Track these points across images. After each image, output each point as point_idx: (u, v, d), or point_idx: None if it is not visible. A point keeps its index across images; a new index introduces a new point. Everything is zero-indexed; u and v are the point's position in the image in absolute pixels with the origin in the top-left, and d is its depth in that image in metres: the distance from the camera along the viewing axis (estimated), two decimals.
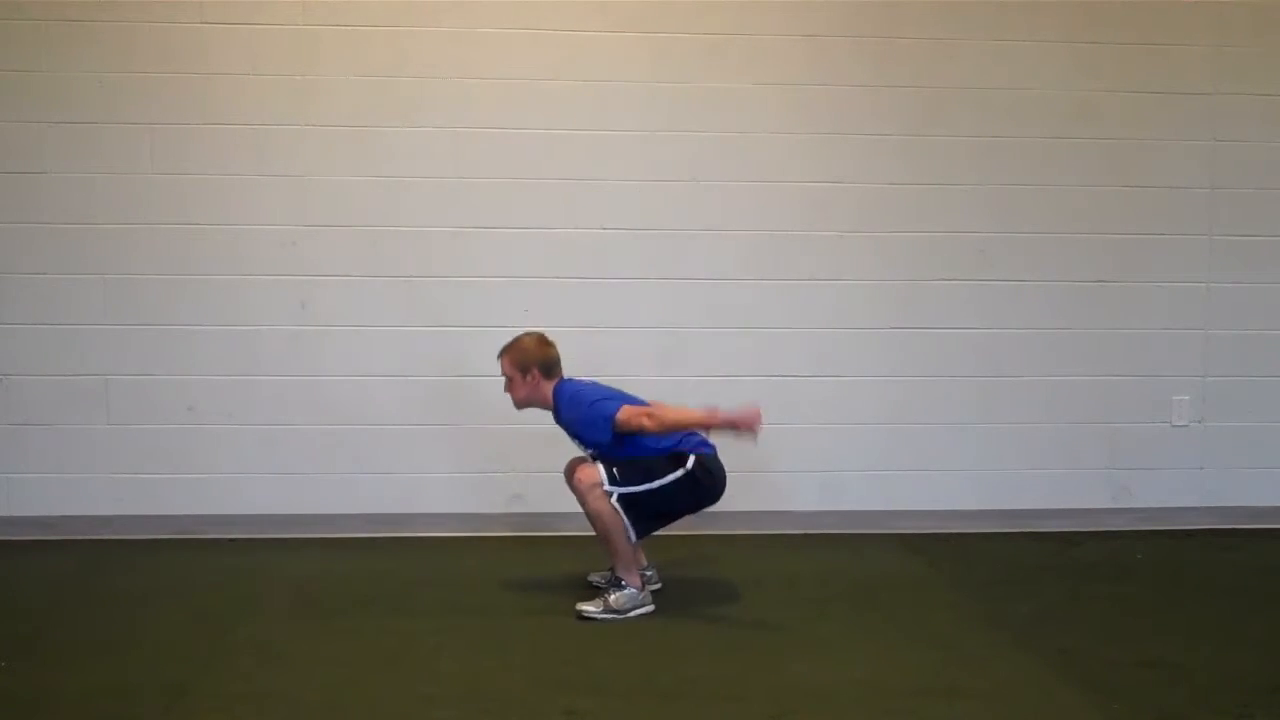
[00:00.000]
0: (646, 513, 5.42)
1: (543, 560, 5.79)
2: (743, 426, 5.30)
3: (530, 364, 5.54)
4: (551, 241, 6.59)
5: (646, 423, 5.36)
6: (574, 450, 5.62)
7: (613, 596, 5.38)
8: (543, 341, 5.61)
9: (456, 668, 4.74)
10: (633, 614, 5.36)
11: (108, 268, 6.49)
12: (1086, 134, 6.80)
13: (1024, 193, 6.81)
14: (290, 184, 6.53)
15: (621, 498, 5.33)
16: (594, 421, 5.42)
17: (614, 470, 5.37)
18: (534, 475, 6.52)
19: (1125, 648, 5.02)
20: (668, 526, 5.59)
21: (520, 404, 5.61)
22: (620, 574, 5.45)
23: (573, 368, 6.59)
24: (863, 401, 6.84)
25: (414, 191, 6.52)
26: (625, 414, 5.39)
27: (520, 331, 5.63)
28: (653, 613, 5.42)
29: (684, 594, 5.74)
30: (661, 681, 4.61)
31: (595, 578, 5.71)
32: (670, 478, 5.41)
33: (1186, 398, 6.97)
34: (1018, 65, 6.75)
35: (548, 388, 5.56)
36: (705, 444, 5.55)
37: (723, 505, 6.65)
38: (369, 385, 6.63)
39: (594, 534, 5.50)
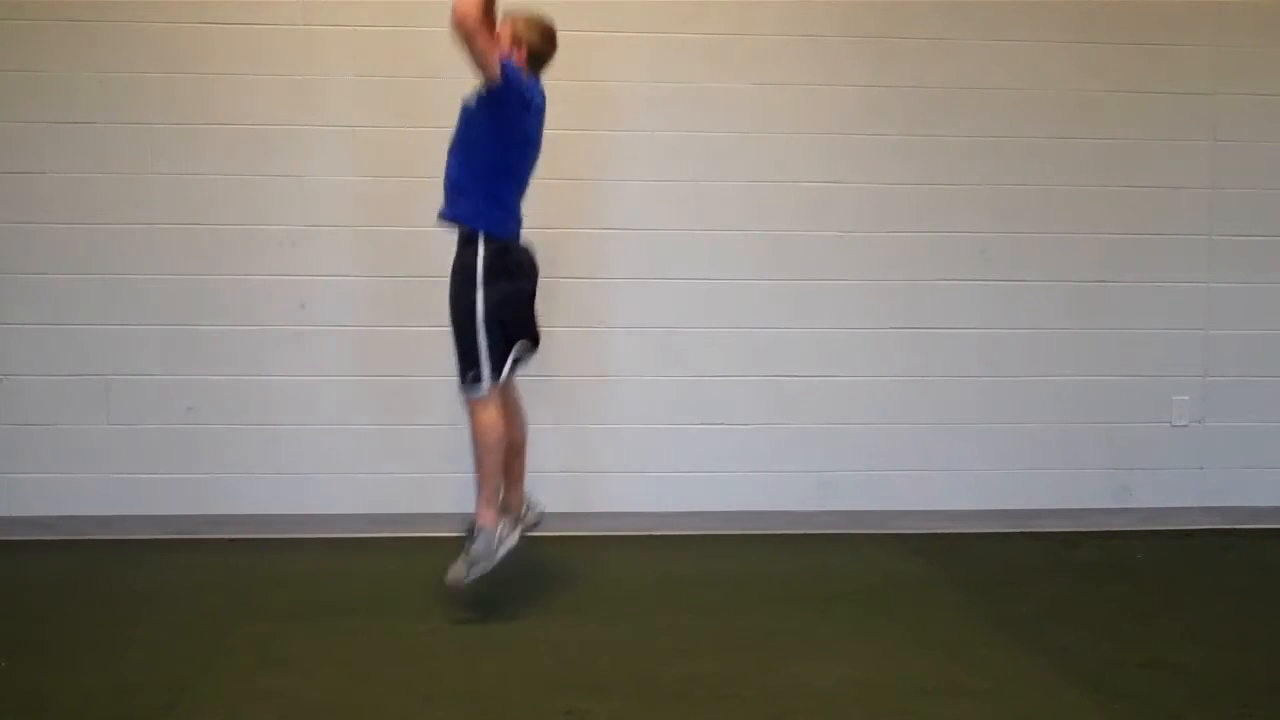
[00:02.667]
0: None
1: (542, 559, 5.78)
2: None
3: (523, 43, 5.37)
4: (550, 241, 6.57)
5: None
6: None
7: (471, 550, 5.26)
8: (547, 36, 5.45)
9: (456, 668, 4.75)
10: (500, 554, 5.28)
11: (108, 268, 6.50)
12: (1087, 134, 6.80)
13: (1024, 193, 6.81)
14: (291, 184, 6.53)
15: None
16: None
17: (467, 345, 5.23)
18: (534, 475, 6.50)
19: (1126, 648, 5.02)
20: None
21: (480, 53, 5.07)
22: (477, 509, 5.31)
23: (573, 367, 6.66)
24: (862, 401, 6.84)
25: (414, 191, 6.50)
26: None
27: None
28: (652, 612, 5.43)
29: (683, 593, 5.74)
30: (661, 681, 4.61)
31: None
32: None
33: (1187, 398, 6.97)
34: (1018, 65, 6.75)
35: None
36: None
37: (722, 504, 6.69)
38: (369, 385, 6.63)
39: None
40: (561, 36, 6.45)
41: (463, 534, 5.37)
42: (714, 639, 5.10)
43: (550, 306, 6.51)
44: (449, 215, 5.35)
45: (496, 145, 5.29)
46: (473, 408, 5.26)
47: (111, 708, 4.34)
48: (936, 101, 6.74)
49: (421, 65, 6.50)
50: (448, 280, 5.33)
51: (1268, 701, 4.46)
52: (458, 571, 5.23)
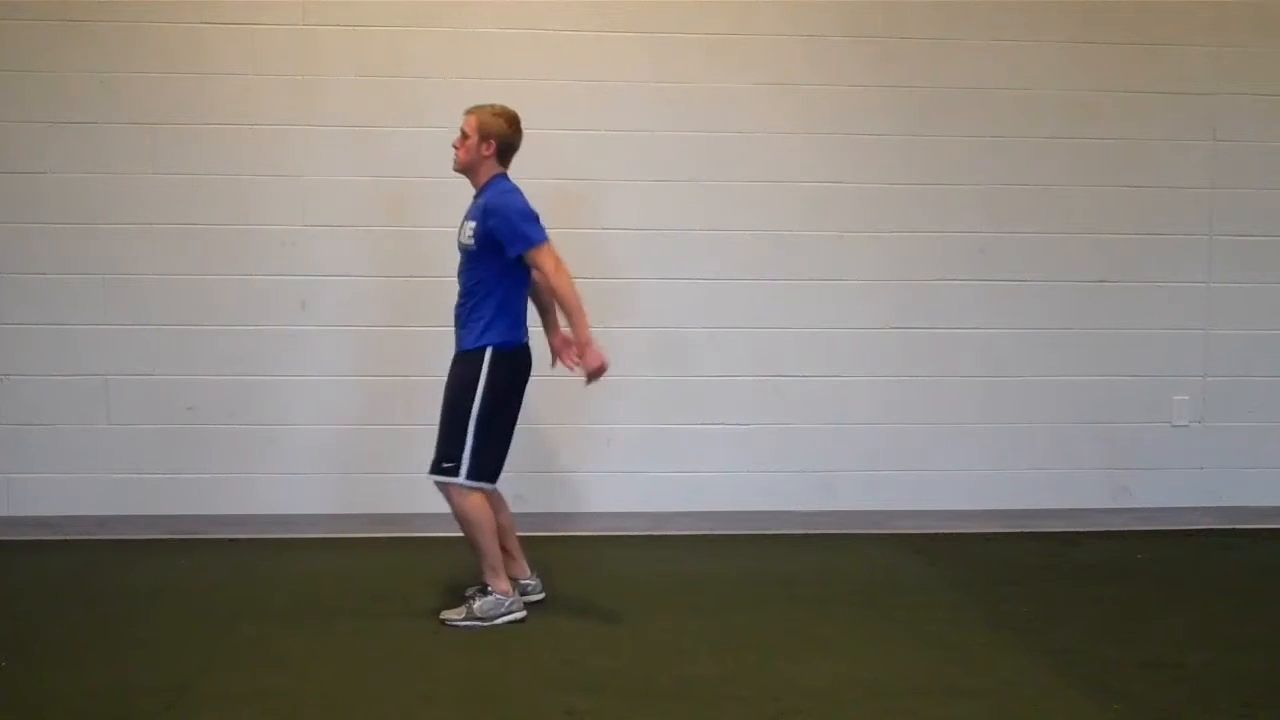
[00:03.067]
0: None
1: (543, 560, 5.78)
2: (590, 365, 5.19)
3: (493, 136, 5.27)
4: (552, 241, 6.59)
5: (562, 267, 5.20)
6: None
7: (477, 604, 5.26)
8: (516, 124, 5.35)
9: (457, 667, 4.75)
10: (499, 621, 5.23)
11: (108, 267, 6.50)
12: (1086, 133, 6.80)
13: (1024, 192, 6.81)
14: (290, 184, 6.53)
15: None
16: (516, 225, 5.16)
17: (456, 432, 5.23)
18: (534, 475, 6.52)
19: (1126, 648, 5.02)
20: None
21: (460, 165, 5.34)
22: (487, 579, 5.31)
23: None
24: (862, 401, 6.84)
25: (414, 192, 6.52)
26: (550, 245, 5.21)
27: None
28: (652, 612, 5.42)
29: (683, 593, 5.74)
30: (662, 681, 4.61)
31: (469, 591, 5.46)
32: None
33: (1186, 398, 6.97)
34: (1017, 65, 6.75)
35: (489, 167, 5.31)
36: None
37: (722, 504, 6.69)
38: (369, 385, 6.63)
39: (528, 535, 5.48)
40: (562, 36, 6.49)
41: (476, 588, 5.38)
42: (714, 639, 5.10)
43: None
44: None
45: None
46: (449, 493, 5.26)
47: (112, 707, 4.33)
48: (937, 101, 6.75)
49: (420, 65, 6.50)
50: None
51: (1268, 701, 4.46)
52: (454, 614, 5.26)
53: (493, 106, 5.33)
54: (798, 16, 6.66)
